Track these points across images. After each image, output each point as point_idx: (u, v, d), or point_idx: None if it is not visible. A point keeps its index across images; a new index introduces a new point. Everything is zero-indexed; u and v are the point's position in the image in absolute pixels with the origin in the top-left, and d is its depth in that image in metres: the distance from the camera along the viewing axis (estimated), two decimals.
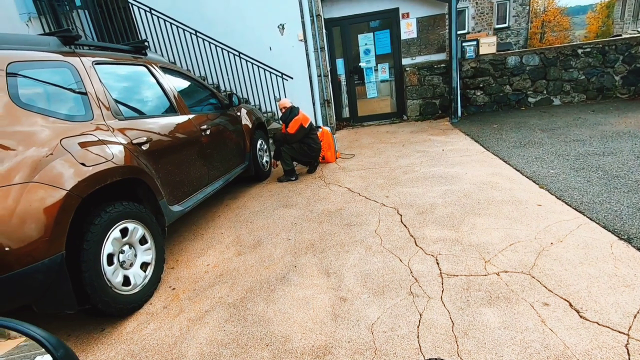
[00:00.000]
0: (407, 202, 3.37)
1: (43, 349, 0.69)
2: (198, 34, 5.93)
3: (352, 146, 6.07)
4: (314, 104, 6.76)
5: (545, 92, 7.20)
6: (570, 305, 1.83)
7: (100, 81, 2.44)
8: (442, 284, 2.13)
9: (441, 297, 2.02)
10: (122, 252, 2.21)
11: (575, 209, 2.83)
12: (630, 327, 1.64)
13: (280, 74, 6.05)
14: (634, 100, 6.68)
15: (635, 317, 1.69)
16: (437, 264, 2.34)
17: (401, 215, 3.12)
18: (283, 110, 4.71)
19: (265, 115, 6.19)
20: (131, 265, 2.28)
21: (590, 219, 2.65)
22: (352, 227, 3.03)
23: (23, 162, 1.72)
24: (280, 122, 4.91)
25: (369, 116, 8.08)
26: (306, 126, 4.59)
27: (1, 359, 0.67)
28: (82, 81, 2.31)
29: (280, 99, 5.48)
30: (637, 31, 15.23)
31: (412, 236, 2.74)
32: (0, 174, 1.63)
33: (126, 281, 2.21)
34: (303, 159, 4.78)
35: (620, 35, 13.20)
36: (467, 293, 2.02)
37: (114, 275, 2.10)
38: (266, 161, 4.93)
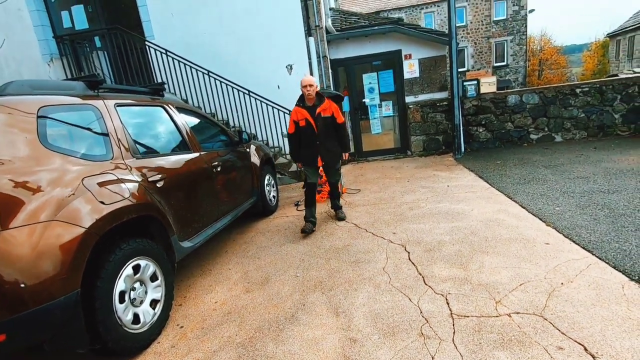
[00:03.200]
0: (415, 239, 3.38)
1: None
2: (210, 73, 6.23)
3: (357, 181, 6.15)
4: None
5: (546, 129, 7.35)
6: (585, 349, 1.80)
7: (121, 122, 2.57)
8: (453, 325, 2.11)
9: (453, 339, 1.99)
10: (134, 289, 2.23)
11: (584, 248, 2.83)
12: None
13: (287, 111, 6.25)
14: (636, 138, 6.79)
15: None
16: (447, 303, 2.32)
17: (409, 253, 3.12)
18: (308, 89, 3.59)
19: (272, 150, 6.35)
20: (141, 302, 2.28)
21: (600, 259, 2.64)
22: (360, 265, 3.03)
23: (48, 201, 1.79)
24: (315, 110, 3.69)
25: (373, 151, 8.24)
26: None
27: None
28: (105, 122, 2.44)
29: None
30: (633, 71, 15.71)
31: (421, 274, 2.74)
32: (28, 212, 1.70)
33: (136, 319, 2.21)
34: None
35: (617, 75, 13.60)
36: (479, 335, 2.00)
37: (124, 313, 2.11)
38: (273, 196, 5.00)
